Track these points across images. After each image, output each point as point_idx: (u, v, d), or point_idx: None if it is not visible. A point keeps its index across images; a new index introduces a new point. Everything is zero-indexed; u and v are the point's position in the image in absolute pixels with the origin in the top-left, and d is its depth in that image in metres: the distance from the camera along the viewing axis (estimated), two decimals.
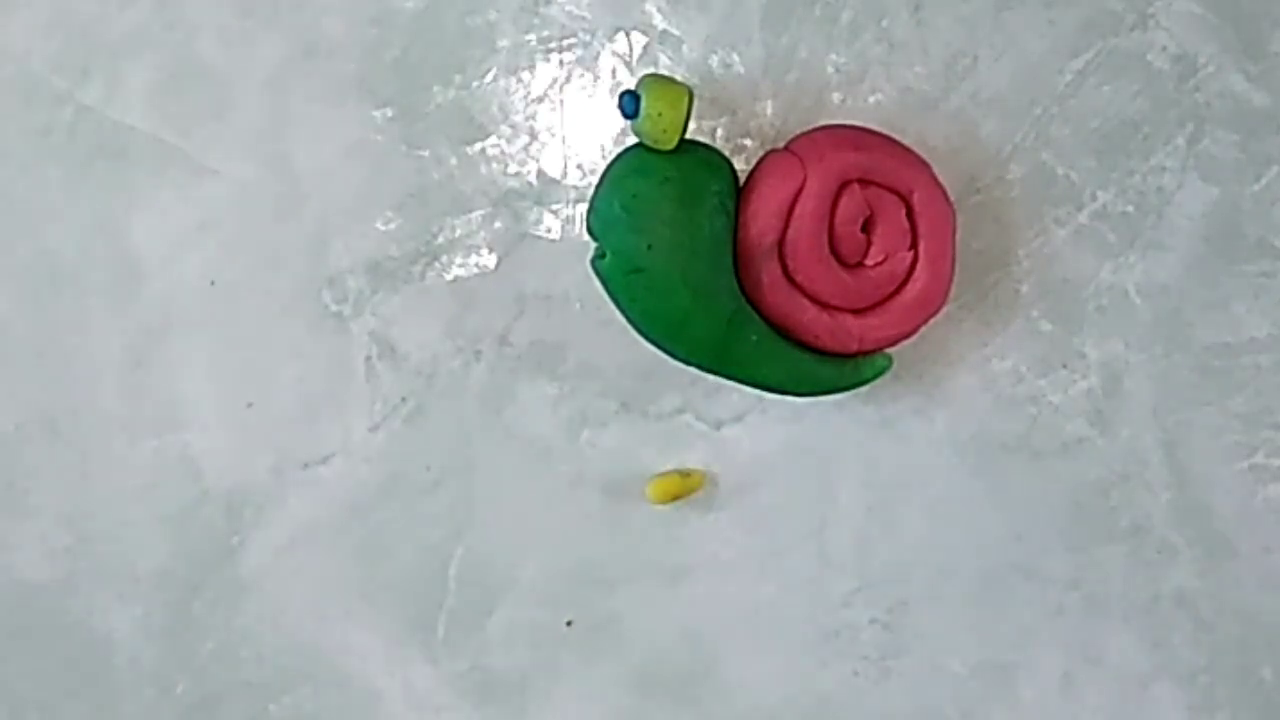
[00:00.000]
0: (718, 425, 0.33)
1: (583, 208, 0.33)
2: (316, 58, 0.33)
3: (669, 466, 0.33)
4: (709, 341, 0.30)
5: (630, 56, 0.33)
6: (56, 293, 0.33)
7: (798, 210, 0.30)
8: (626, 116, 0.29)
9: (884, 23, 0.32)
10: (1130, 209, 0.33)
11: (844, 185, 0.30)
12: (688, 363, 0.30)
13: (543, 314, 0.33)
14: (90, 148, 0.33)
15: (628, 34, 0.33)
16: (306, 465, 0.33)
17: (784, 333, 0.30)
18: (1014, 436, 0.33)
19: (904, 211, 0.30)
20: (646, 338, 0.30)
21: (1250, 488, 0.33)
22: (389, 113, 0.33)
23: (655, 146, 0.29)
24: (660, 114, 0.28)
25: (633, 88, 0.29)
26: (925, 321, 0.31)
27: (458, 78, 0.33)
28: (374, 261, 0.33)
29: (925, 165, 0.30)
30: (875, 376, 0.31)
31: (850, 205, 0.30)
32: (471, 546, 0.33)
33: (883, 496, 0.33)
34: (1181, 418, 0.33)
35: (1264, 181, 0.33)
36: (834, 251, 0.30)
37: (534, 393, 0.33)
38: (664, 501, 0.33)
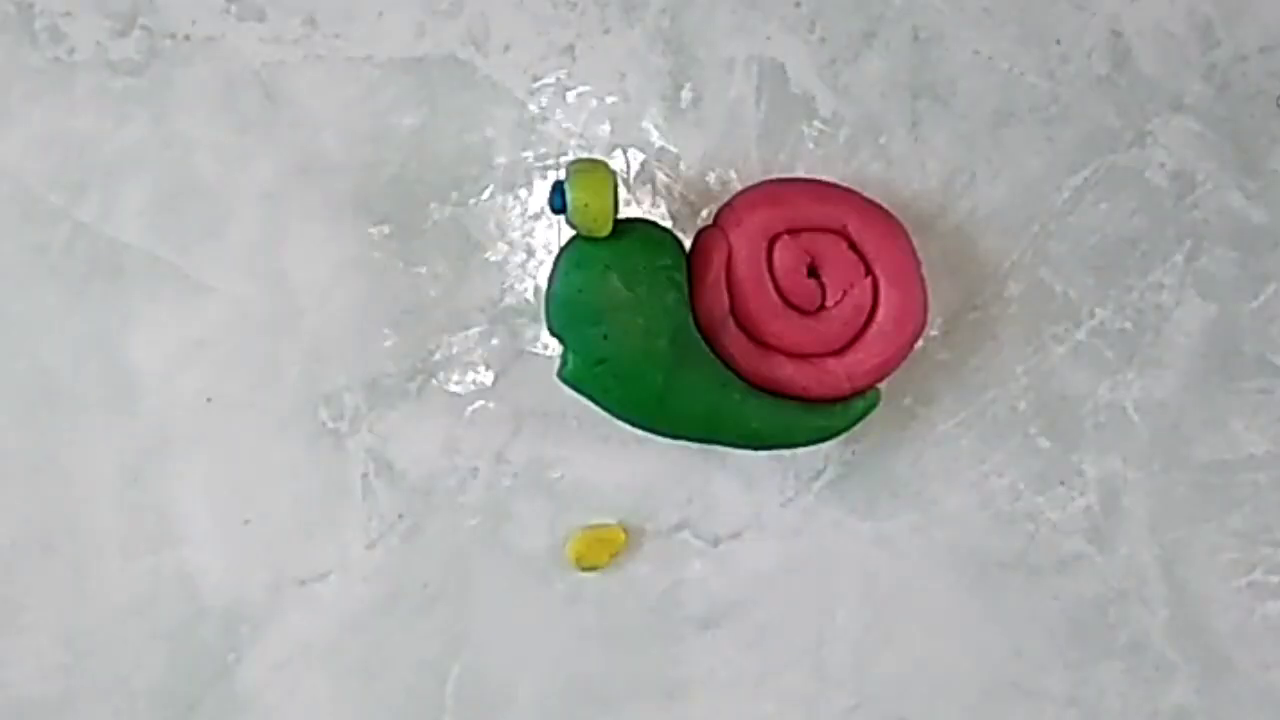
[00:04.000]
0: (715, 542, 0.33)
1: None
2: (313, 174, 0.33)
3: (668, 580, 0.33)
4: (694, 412, 0.29)
5: (628, 173, 0.33)
6: (52, 409, 0.33)
7: (733, 277, 0.30)
8: (556, 211, 0.29)
9: (881, 140, 0.32)
10: (1128, 326, 0.33)
11: (775, 239, 0.30)
12: (682, 438, 0.30)
13: (539, 431, 0.33)
14: (86, 265, 0.33)
15: (624, 151, 0.33)
16: (303, 582, 0.33)
17: (773, 392, 0.30)
18: (1012, 553, 0.33)
19: (845, 244, 0.30)
20: (635, 425, 0.30)
21: (1248, 605, 0.33)
22: (386, 229, 0.33)
23: (591, 235, 0.29)
24: (587, 204, 0.28)
25: (562, 179, 0.29)
26: (910, 343, 0.30)
27: (455, 194, 0.33)
28: (371, 378, 0.33)
29: (851, 194, 0.30)
30: (867, 411, 0.31)
31: (786, 257, 0.30)
32: (469, 664, 0.33)
33: (881, 613, 0.33)
34: (1179, 535, 0.33)
35: (1262, 299, 0.33)
36: (791, 304, 0.30)
37: (531, 510, 0.33)
38: (588, 563, 0.33)
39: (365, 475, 0.33)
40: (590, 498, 0.33)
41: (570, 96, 0.33)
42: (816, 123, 0.32)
